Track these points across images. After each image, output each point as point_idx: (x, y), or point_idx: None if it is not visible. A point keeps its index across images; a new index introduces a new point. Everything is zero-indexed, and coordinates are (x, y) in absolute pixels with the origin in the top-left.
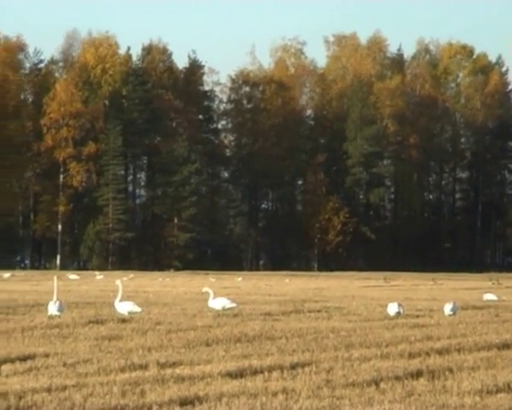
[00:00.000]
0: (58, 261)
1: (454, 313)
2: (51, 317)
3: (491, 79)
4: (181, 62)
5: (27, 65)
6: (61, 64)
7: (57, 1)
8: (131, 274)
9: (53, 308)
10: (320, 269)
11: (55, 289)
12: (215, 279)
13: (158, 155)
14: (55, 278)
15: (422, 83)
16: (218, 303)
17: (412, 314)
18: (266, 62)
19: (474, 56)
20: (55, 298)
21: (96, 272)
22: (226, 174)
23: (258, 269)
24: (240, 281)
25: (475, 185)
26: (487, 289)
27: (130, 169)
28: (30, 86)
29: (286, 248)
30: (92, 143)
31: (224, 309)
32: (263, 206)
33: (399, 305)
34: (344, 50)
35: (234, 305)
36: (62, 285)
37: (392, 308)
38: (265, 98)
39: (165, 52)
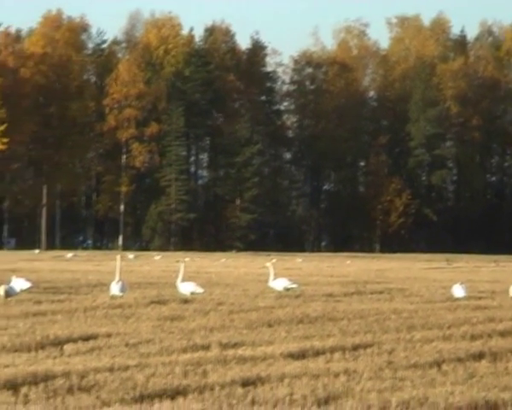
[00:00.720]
0: (120, 242)
1: None
2: (113, 297)
3: None
4: (244, 43)
5: (90, 45)
6: (123, 45)
7: None
8: (187, 257)
9: (115, 288)
10: (382, 251)
11: (117, 270)
12: (275, 260)
13: (220, 136)
14: (118, 257)
15: (485, 64)
16: (278, 283)
17: (474, 296)
18: (329, 44)
19: None
20: (117, 278)
21: (155, 253)
22: (288, 155)
23: (319, 250)
24: (300, 262)
25: None
26: None
27: (193, 150)
28: (93, 67)
29: (348, 230)
30: (154, 123)
31: (285, 289)
32: (325, 187)
33: (462, 285)
34: (407, 32)
35: (295, 285)
36: (124, 266)
37: (459, 291)
38: (328, 79)
39: (227, 33)
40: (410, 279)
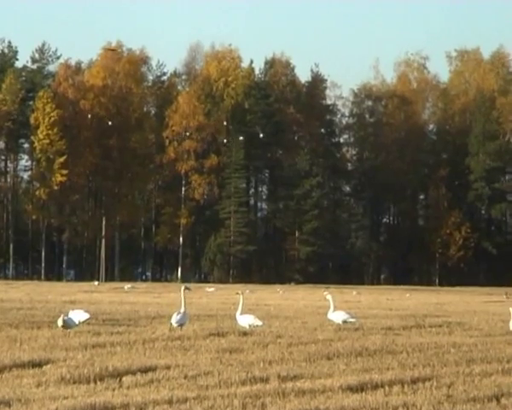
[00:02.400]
0: (179, 274)
1: None
2: (172, 329)
3: None
4: (303, 76)
5: (150, 77)
6: (183, 77)
7: (181, 14)
8: (247, 290)
9: (173, 319)
10: (441, 284)
11: (182, 300)
12: (327, 292)
13: (280, 169)
14: (182, 288)
15: None
16: (337, 316)
17: None
18: (389, 77)
19: None
20: (182, 309)
21: (207, 286)
22: (348, 188)
23: (379, 283)
24: (359, 295)
25: None
26: None
27: (252, 182)
28: (153, 99)
29: (407, 263)
30: (214, 155)
31: (344, 322)
32: (384, 220)
33: None
34: (466, 65)
35: (354, 319)
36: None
37: None
38: (388, 112)
39: (287, 66)
40: (470, 313)
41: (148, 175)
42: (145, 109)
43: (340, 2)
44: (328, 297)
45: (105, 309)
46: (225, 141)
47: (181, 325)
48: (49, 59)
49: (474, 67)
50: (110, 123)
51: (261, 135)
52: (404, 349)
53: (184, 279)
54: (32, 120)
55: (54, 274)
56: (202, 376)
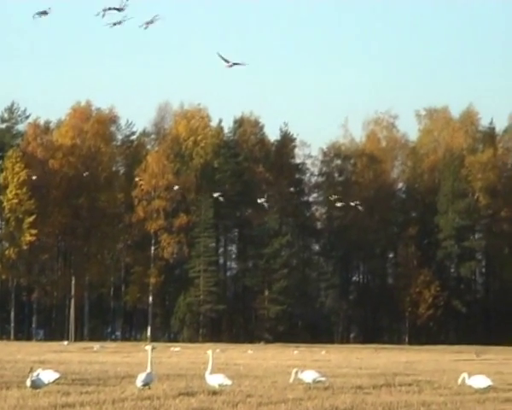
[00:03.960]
0: (149, 333)
1: None
2: (140, 389)
3: None
4: (273, 135)
5: (119, 137)
6: (152, 136)
7: (150, 73)
8: (218, 349)
9: (139, 379)
10: (411, 342)
11: (148, 361)
12: (297, 352)
13: (249, 228)
14: (150, 348)
15: None
16: (308, 376)
17: (503, 388)
18: (358, 135)
19: None
20: (149, 369)
21: (172, 345)
22: (317, 247)
23: (348, 342)
24: (329, 354)
25: None
26: None
27: (221, 241)
28: (122, 158)
29: (377, 321)
30: (183, 214)
31: (314, 382)
32: (354, 278)
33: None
34: (436, 124)
35: (323, 378)
36: (153, 357)
37: (482, 381)
38: (357, 171)
39: (256, 125)
40: (439, 371)
41: (117, 234)
42: (114, 169)
43: (309, 62)
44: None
45: (74, 369)
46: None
47: (146, 384)
48: (18, 118)
49: (443, 125)
50: (80, 182)
51: (221, 199)
52: (374, 408)
53: (154, 338)
54: (0, 180)
55: (23, 334)
56: None
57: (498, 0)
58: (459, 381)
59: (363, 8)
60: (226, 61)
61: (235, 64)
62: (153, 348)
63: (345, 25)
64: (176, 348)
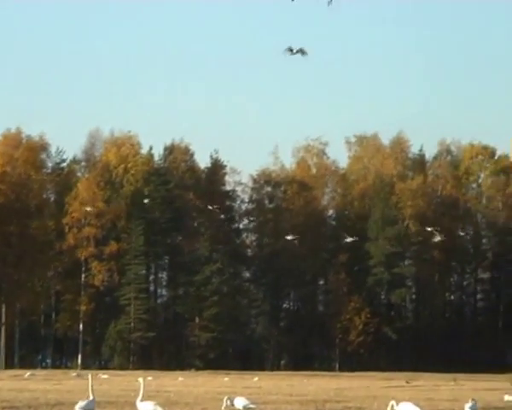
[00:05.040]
0: (79, 360)
1: None
2: None
3: None
4: (203, 162)
5: (50, 164)
6: (83, 163)
7: (79, 100)
8: (149, 376)
9: (79, 405)
10: (342, 369)
11: (89, 387)
12: (228, 379)
13: (180, 255)
14: (90, 376)
15: (444, 183)
16: (238, 403)
17: None
18: (288, 162)
19: (496, 157)
20: (91, 397)
21: (100, 373)
22: (248, 274)
23: (279, 369)
24: (259, 381)
25: (497, 286)
26: (508, 390)
27: (152, 268)
28: (52, 185)
29: (308, 348)
30: (114, 242)
31: (244, 408)
32: (285, 305)
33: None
34: (366, 151)
35: (254, 405)
36: (81, 384)
37: (410, 408)
38: (287, 198)
39: (187, 152)
40: (370, 398)
41: (48, 262)
42: (44, 196)
43: (239, 89)
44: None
45: (4, 397)
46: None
47: None
48: None
49: (373, 152)
50: (10, 210)
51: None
52: None
53: (85, 366)
54: None
55: None
56: None
57: (423, 27)
58: (388, 408)
59: (291, 33)
60: (290, 49)
61: (298, 52)
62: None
63: (273, 50)
64: (104, 375)
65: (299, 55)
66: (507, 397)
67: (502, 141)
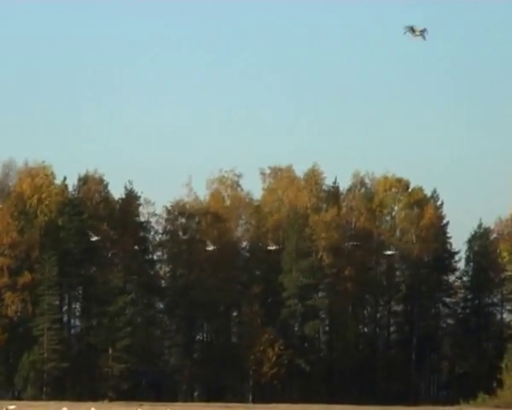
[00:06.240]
0: None
1: None
2: None
3: (426, 212)
4: (117, 193)
5: None
6: None
7: None
8: (64, 408)
9: None
10: (255, 401)
11: None
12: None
13: (93, 286)
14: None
15: (358, 215)
16: None
17: None
18: (202, 194)
19: (410, 190)
20: None
21: (10, 404)
22: (161, 305)
23: (192, 400)
24: None
25: (410, 318)
26: None
27: (66, 299)
28: None
29: (221, 380)
30: (28, 272)
31: None
32: (198, 337)
33: None
34: (280, 183)
35: None
36: None
37: None
38: (201, 229)
39: (101, 183)
40: None
41: None
42: None
43: (151, 120)
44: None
45: None
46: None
47: None
48: None
49: (287, 184)
50: None
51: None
52: None
53: None
54: None
55: None
56: None
57: (332, 60)
58: None
59: (205, 62)
60: (413, 30)
61: (422, 32)
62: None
63: (188, 82)
64: (11, 405)
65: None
66: None
67: (415, 173)
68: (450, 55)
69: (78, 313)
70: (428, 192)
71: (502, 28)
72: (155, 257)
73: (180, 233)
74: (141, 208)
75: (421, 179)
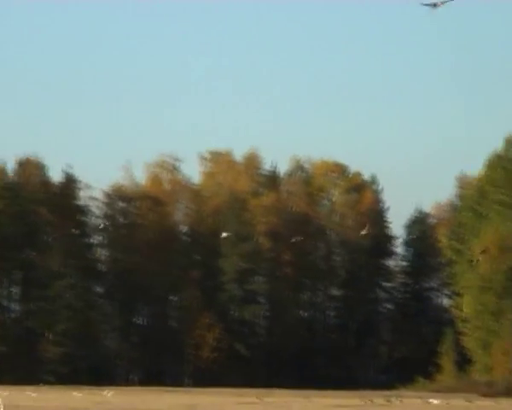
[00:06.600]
0: None
1: None
2: None
3: (365, 197)
4: (56, 177)
5: None
6: None
7: None
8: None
9: None
10: (194, 385)
11: None
12: (80, 394)
13: (32, 270)
14: None
15: (296, 200)
16: None
17: None
18: (141, 178)
19: (348, 174)
20: None
21: None
22: (100, 289)
23: (131, 384)
24: (109, 396)
25: (349, 303)
26: (359, 406)
27: (4, 283)
28: None
29: (160, 364)
30: None
31: None
32: (137, 321)
33: None
34: (219, 167)
35: None
36: None
37: None
38: (140, 214)
39: (39, 166)
40: None
41: None
42: None
43: (90, 103)
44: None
45: None
46: None
47: None
48: None
49: (226, 168)
50: None
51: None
52: None
53: None
54: None
55: None
56: None
57: (270, 46)
58: None
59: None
60: (434, 4)
61: (444, 2)
62: None
63: (126, 63)
64: None
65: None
66: None
67: (354, 158)
68: (377, 38)
69: (16, 297)
70: (367, 177)
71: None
72: (94, 241)
73: (119, 217)
74: (80, 192)
75: (360, 164)
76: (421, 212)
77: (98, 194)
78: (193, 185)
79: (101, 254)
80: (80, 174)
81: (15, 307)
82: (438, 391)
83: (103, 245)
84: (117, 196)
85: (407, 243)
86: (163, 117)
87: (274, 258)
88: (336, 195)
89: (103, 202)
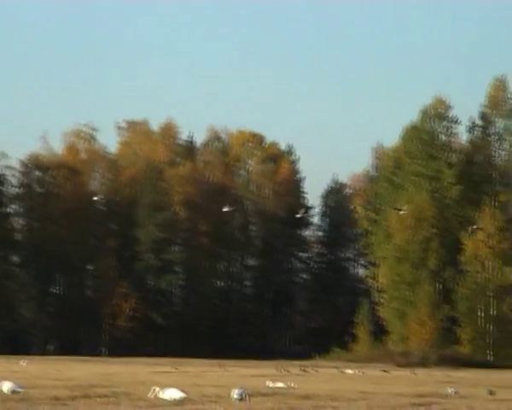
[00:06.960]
0: None
1: (242, 399)
2: None
3: (281, 167)
4: None
5: None
6: None
7: None
8: None
9: None
10: (110, 354)
11: None
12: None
13: None
14: None
15: (213, 170)
16: (4, 386)
17: (200, 400)
18: (58, 147)
19: (265, 144)
20: None
21: None
22: (17, 258)
23: (47, 354)
24: (25, 365)
25: (265, 273)
26: (275, 376)
27: None
28: None
29: (76, 333)
30: None
31: (10, 392)
32: (53, 290)
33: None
34: (136, 137)
35: (21, 389)
36: None
37: (174, 394)
38: (57, 183)
39: None
40: (137, 383)
41: None
42: None
43: (7, 72)
44: None
45: None
46: None
47: None
48: None
49: (142, 138)
50: None
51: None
52: None
53: None
54: None
55: None
56: None
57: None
58: (149, 394)
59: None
60: None
61: None
62: None
63: (40, 33)
64: None
65: None
66: (272, 384)
67: (271, 128)
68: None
69: None
70: (284, 147)
71: None
72: (11, 210)
73: (35, 186)
74: None
75: (277, 134)
76: (337, 182)
77: (15, 163)
78: (109, 155)
79: (18, 223)
80: None
81: None
82: (353, 361)
83: (19, 214)
84: (33, 165)
85: (323, 214)
86: (80, 86)
87: (190, 228)
88: (253, 165)
89: (20, 171)
